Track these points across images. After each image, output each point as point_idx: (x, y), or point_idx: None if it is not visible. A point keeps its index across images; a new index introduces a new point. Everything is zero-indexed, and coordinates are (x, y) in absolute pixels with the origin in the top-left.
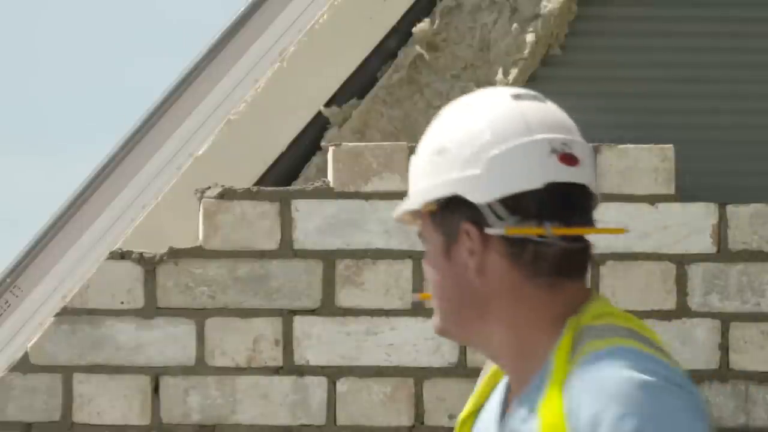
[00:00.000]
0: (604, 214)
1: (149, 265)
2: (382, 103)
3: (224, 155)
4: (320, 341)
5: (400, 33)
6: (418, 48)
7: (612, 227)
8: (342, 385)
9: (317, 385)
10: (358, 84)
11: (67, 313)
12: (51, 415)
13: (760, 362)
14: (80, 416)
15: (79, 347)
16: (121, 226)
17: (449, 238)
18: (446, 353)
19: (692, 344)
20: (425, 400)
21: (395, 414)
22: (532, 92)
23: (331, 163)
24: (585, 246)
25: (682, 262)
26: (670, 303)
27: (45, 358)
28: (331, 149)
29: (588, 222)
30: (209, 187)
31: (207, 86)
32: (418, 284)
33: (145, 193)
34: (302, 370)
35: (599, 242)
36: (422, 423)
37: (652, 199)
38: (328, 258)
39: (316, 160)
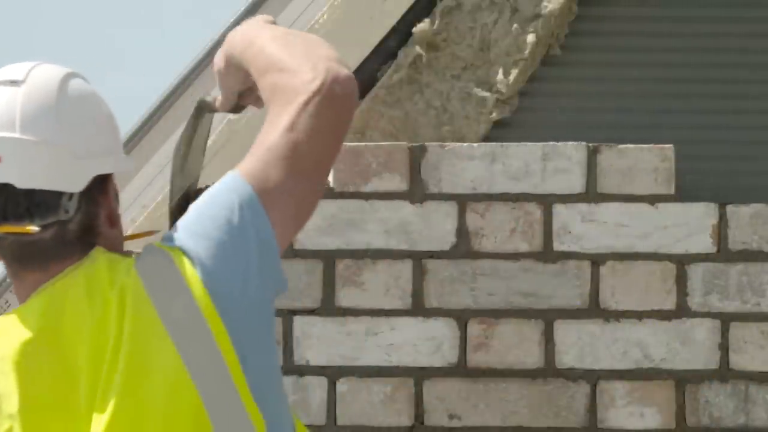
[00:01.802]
0: (604, 214)
1: None
2: (382, 103)
3: (224, 155)
4: (320, 341)
5: (400, 33)
6: (418, 48)
7: (17, 227)
8: (342, 385)
9: (317, 385)
10: (358, 84)
11: None
12: None
13: (760, 362)
14: None
15: None
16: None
17: None
18: (446, 353)
19: (692, 344)
20: (425, 400)
21: (395, 414)
22: (12, 76)
23: None
24: (25, 240)
25: (682, 262)
26: (670, 303)
27: None
28: None
29: (13, 218)
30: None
31: (207, 86)
32: (418, 284)
33: (145, 194)
34: (302, 370)
35: (599, 242)
36: (422, 423)
37: (652, 199)
38: (328, 258)
39: None
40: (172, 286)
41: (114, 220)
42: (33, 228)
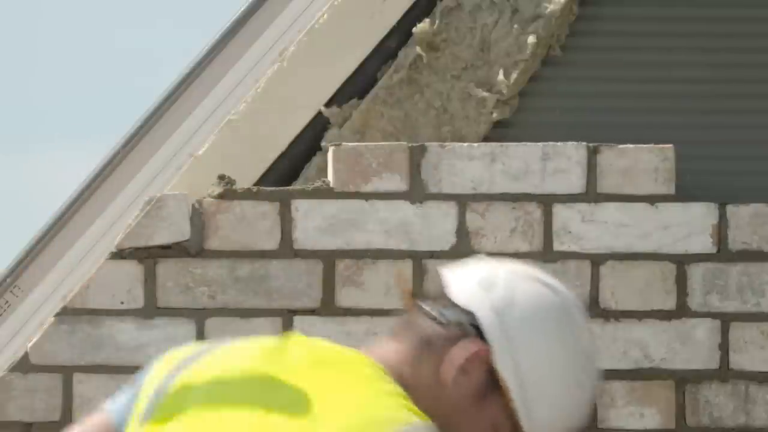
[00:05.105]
0: (604, 214)
1: (149, 265)
2: (382, 103)
3: (224, 155)
4: None
5: (400, 33)
6: (418, 48)
7: (426, 307)
8: None
9: None
10: (358, 84)
11: (67, 313)
12: (51, 415)
13: (760, 362)
14: (80, 416)
15: (79, 347)
16: (121, 226)
17: None
18: None
19: (692, 344)
20: None
21: None
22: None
23: (331, 163)
24: (410, 319)
25: (682, 262)
26: (670, 303)
27: (45, 358)
28: (331, 149)
29: (431, 299)
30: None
31: (207, 86)
32: (417, 284)
33: (145, 193)
34: None
35: (599, 242)
36: None
37: (652, 199)
38: (328, 258)
39: (316, 160)
40: None
41: (445, 383)
42: (438, 316)
